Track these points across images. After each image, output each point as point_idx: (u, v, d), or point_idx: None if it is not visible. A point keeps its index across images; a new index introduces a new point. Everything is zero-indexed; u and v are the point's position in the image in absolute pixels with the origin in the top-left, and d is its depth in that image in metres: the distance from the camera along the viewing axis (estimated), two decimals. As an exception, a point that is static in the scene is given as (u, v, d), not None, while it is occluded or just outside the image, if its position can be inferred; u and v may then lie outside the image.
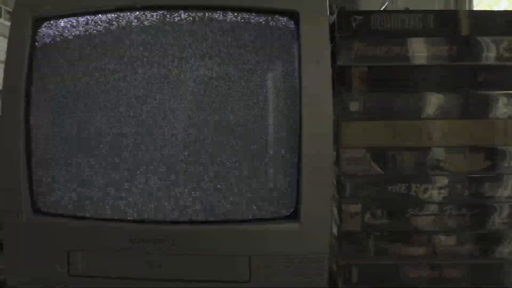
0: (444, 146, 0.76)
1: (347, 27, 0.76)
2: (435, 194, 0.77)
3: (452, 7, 1.84)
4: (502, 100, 0.77)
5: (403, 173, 0.76)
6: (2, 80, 0.72)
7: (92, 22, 0.72)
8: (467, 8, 1.76)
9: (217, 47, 0.71)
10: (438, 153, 0.77)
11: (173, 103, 0.71)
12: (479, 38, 0.76)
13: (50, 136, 0.73)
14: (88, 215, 0.73)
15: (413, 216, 0.77)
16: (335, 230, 0.79)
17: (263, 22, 0.72)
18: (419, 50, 0.76)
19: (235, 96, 0.71)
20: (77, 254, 0.72)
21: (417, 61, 0.76)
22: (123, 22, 0.72)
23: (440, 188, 0.77)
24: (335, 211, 0.79)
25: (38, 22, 0.72)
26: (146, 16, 0.72)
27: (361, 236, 0.76)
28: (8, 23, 0.74)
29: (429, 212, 0.76)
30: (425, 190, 0.76)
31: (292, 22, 0.71)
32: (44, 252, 0.72)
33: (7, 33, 0.73)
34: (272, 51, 0.71)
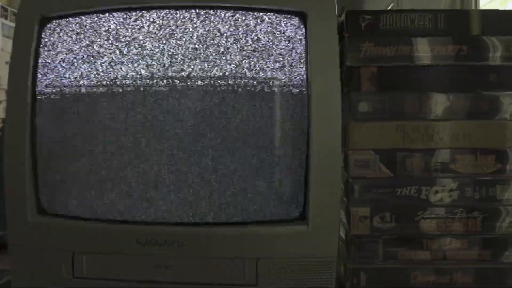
0: (453, 148, 0.76)
1: (355, 27, 0.75)
2: (445, 197, 0.76)
3: (458, 8, 1.82)
4: (512, 102, 0.76)
5: (413, 176, 0.75)
6: (7, 80, 0.72)
7: (98, 21, 0.72)
8: (473, 9, 1.74)
9: (223, 47, 0.71)
10: (447, 155, 0.76)
11: (181, 104, 0.71)
12: (489, 38, 0.75)
13: (56, 136, 0.73)
14: (93, 216, 0.72)
15: (422, 220, 0.75)
16: (343, 234, 0.78)
17: (271, 23, 0.71)
18: (428, 50, 0.75)
19: (242, 98, 0.70)
20: (82, 256, 0.72)
21: (426, 61, 0.76)
22: (130, 21, 0.72)
23: (450, 190, 0.75)
24: (343, 214, 0.78)
25: (43, 21, 0.72)
26: (154, 16, 0.71)
27: (370, 240, 0.75)
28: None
29: (438, 216, 0.75)
30: (436, 192, 0.75)
31: (301, 23, 0.71)
32: (48, 253, 0.72)
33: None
34: (280, 52, 0.71)
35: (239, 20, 0.71)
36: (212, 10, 0.70)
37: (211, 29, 0.71)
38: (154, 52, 0.71)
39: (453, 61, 0.75)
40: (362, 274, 0.76)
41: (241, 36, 0.71)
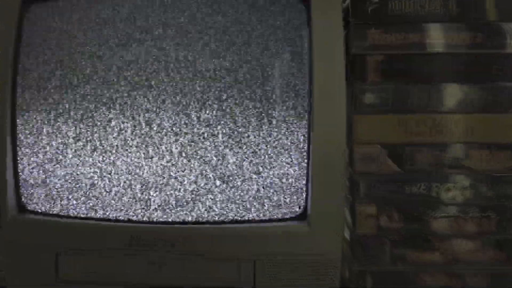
0: (466, 142, 0.73)
1: (362, 12, 0.72)
2: (458, 194, 0.73)
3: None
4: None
5: (422, 172, 0.73)
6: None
7: (84, 1, 0.69)
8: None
9: (219, 32, 0.68)
10: (460, 150, 0.73)
11: (175, 94, 0.68)
12: (508, 25, 0.72)
13: (39, 127, 0.70)
14: (78, 214, 0.70)
15: (433, 219, 0.73)
16: (347, 234, 0.76)
17: (271, 6, 0.68)
18: (441, 37, 0.73)
19: (239, 89, 0.68)
20: (66, 256, 0.69)
21: (437, 49, 0.73)
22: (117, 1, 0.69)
23: (463, 188, 0.73)
24: (348, 213, 0.75)
25: (25, 2, 0.69)
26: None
27: (376, 240, 0.73)
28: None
29: (450, 215, 0.73)
30: (447, 190, 0.73)
31: (303, 6, 0.68)
32: (30, 254, 0.69)
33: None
34: (280, 38, 0.68)
35: (235, 2, 0.68)
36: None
37: (205, 12, 0.68)
38: (146, 31, 0.68)
39: (467, 49, 0.73)
40: (368, 277, 0.73)
41: (236, 20, 0.68)
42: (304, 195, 0.68)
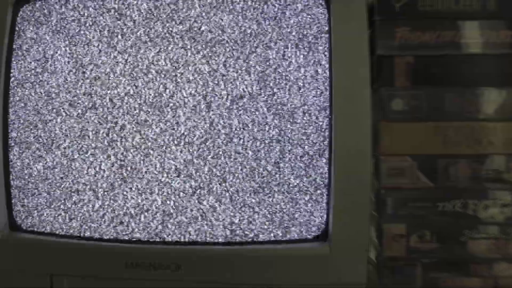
0: (507, 154, 0.70)
1: (389, 8, 0.70)
2: (498, 212, 0.70)
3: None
4: None
5: (458, 187, 0.70)
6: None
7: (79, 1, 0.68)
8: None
9: (229, 32, 0.65)
10: (500, 162, 0.70)
11: (184, 107, 0.66)
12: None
13: (33, 140, 0.68)
14: (75, 234, 0.68)
15: (470, 240, 0.70)
16: (373, 256, 0.74)
17: (286, 2, 0.65)
18: (478, 36, 0.70)
19: (253, 99, 0.65)
20: (62, 279, 0.67)
21: (475, 50, 0.70)
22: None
23: (504, 205, 0.70)
24: (374, 232, 0.73)
25: (19, 2, 0.68)
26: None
27: (406, 263, 0.71)
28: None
29: (489, 235, 0.70)
30: (486, 207, 0.70)
31: (322, 1, 0.65)
32: (23, 275, 0.68)
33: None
34: (297, 37, 0.65)
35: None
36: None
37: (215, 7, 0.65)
38: (146, 32, 0.66)
39: (507, 49, 0.70)
40: (396, 304, 0.72)
41: (249, 19, 0.65)
42: (325, 213, 0.65)
